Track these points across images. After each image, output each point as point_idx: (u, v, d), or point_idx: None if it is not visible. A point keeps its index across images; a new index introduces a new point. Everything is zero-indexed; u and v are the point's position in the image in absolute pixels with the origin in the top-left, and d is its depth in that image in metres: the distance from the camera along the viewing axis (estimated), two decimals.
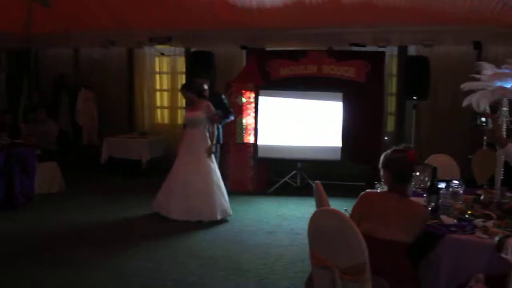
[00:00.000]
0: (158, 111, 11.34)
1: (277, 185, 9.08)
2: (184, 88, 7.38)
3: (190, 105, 7.30)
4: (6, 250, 5.75)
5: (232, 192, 8.06)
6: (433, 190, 3.77)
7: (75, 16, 10.20)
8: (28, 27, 10.43)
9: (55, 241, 6.11)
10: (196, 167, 7.01)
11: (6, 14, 10.00)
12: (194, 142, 7.08)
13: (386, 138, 9.34)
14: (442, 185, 4.05)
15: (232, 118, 8.29)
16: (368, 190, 3.55)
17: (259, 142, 9.00)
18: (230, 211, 7.13)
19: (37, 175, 8.03)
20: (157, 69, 11.24)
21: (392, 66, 9.62)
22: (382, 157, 3.43)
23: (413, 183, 3.77)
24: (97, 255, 5.56)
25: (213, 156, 7.18)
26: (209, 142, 7.10)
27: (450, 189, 3.96)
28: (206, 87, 7.55)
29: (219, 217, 6.90)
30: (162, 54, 10.78)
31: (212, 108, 7.13)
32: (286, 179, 9.20)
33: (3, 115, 9.59)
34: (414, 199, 3.60)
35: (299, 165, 9.20)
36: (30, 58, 11.70)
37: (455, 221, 3.53)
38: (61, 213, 7.38)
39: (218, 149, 7.96)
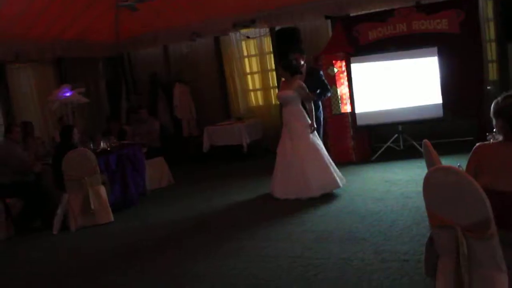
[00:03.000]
0: (252, 94, 11.46)
1: (380, 151, 8.89)
2: (279, 66, 7.41)
3: (284, 83, 7.30)
4: (130, 246, 6.09)
5: (336, 164, 7.99)
6: None
7: (160, 15, 10.53)
8: (117, 34, 10.96)
9: (173, 232, 6.39)
10: (292, 146, 7.03)
11: (97, 25, 10.53)
12: (290, 121, 7.10)
13: (489, 87, 8.83)
14: None
15: (329, 94, 7.99)
16: (481, 143, 3.36)
17: (356, 111, 8.84)
18: (339, 183, 6.97)
19: (147, 172, 8.41)
20: (245, 53, 11.33)
21: (487, 10, 9.01)
22: (493, 105, 3.23)
23: None
24: (213, 240, 5.75)
25: (315, 132, 7.13)
26: (308, 119, 7.05)
27: None
28: (302, 62, 7.50)
29: (318, 193, 6.83)
30: (248, 37, 10.86)
31: (303, 86, 7.05)
32: (388, 143, 8.99)
33: (110, 123, 10.15)
34: None
35: (400, 128, 8.94)
36: (124, 62, 12.25)
37: None
38: (174, 206, 7.69)
39: (322, 124, 7.86)
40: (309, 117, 7.05)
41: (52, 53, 10.16)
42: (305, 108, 7.09)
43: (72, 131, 7.35)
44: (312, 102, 7.17)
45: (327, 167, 6.99)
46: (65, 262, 5.82)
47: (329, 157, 7.14)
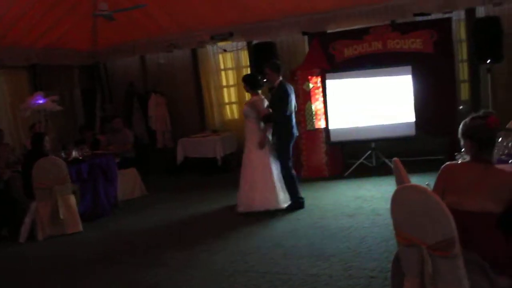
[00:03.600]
0: (227, 107, 11.45)
1: (353, 167, 8.95)
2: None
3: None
4: (97, 255, 6.02)
5: (308, 179, 8.05)
6: None
7: (137, 25, 10.49)
8: (94, 42, 10.88)
9: (144, 243, 6.34)
10: (246, 160, 7.19)
11: (74, 33, 10.44)
12: (246, 135, 7.26)
13: (461, 107, 8.99)
14: None
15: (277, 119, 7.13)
16: (449, 162, 3.41)
17: (330, 127, 8.90)
18: (281, 204, 7.00)
19: (119, 182, 8.33)
20: (222, 66, 11.35)
21: (460, 31, 9.21)
22: (461, 126, 3.28)
23: (496, 150, 3.60)
24: (183, 252, 5.71)
25: (267, 149, 7.10)
26: (262, 134, 7.05)
27: None
28: (279, 77, 7.13)
29: (260, 209, 6.92)
30: (225, 50, 10.88)
31: (254, 102, 7.08)
32: (361, 160, 9.06)
33: (84, 132, 10.04)
34: (499, 166, 3.43)
35: (373, 145, 9.03)
36: (100, 71, 12.16)
37: None
38: (145, 217, 7.64)
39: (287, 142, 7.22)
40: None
41: (27, 59, 10.02)
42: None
43: (44, 138, 7.25)
44: (267, 120, 7.07)
45: (272, 186, 7.02)
46: (30, 271, 5.73)
47: (278, 177, 7.10)
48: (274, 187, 7.03)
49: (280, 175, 7.10)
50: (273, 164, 7.12)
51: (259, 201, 6.98)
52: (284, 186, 7.10)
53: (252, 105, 7.09)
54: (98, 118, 11.68)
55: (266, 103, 7.20)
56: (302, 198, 7.13)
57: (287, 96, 6.97)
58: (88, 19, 10.23)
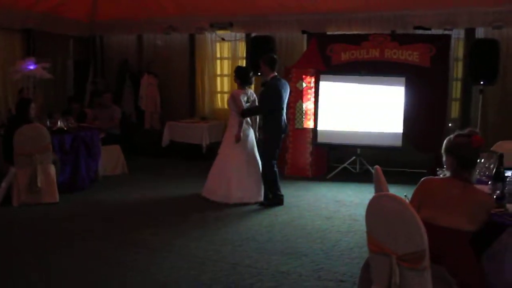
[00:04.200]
0: (219, 96, 11.42)
1: (336, 170, 8.99)
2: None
3: None
4: (72, 228, 6.00)
5: (291, 177, 8.05)
6: (499, 178, 3.61)
7: (138, 3, 10.41)
8: (93, 14, 10.76)
9: (118, 222, 6.32)
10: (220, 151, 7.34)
11: (73, 2, 10.33)
12: (228, 127, 7.34)
13: (450, 124, 9.03)
14: (508, 173, 3.87)
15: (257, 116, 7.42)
16: (429, 176, 3.43)
17: (318, 128, 8.92)
18: (231, 201, 7.04)
19: (101, 158, 8.29)
20: (218, 55, 11.30)
21: (458, 49, 9.27)
22: (445, 141, 3.30)
23: (477, 170, 3.63)
24: (157, 237, 5.69)
25: (251, 142, 7.19)
26: (239, 129, 7.10)
27: None
28: (274, 72, 7.10)
29: (236, 201, 7.00)
30: (223, 39, 10.84)
31: (234, 96, 7.13)
32: (345, 165, 9.10)
33: (71, 104, 9.97)
34: (478, 186, 3.45)
35: (359, 151, 9.07)
36: (96, 44, 12.04)
37: None
38: (123, 195, 7.61)
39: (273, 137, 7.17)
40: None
41: (22, 23, 9.89)
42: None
43: (30, 105, 7.17)
44: (245, 115, 7.15)
45: (248, 178, 7.10)
46: (2, 237, 5.69)
47: (255, 171, 7.17)
48: (253, 181, 7.09)
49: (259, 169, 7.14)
50: (251, 158, 7.17)
51: (240, 194, 7.03)
52: (260, 181, 7.14)
53: (233, 97, 7.13)
54: (88, 92, 11.57)
55: (254, 97, 7.21)
56: (281, 195, 7.14)
57: (275, 92, 6.93)
58: None
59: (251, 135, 7.27)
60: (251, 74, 7.27)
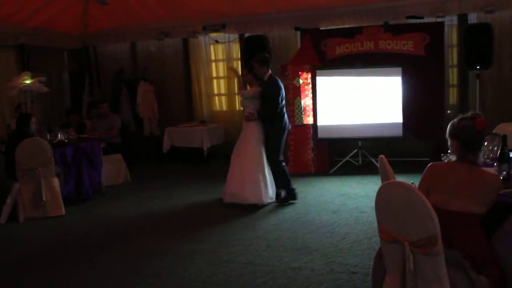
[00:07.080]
0: (216, 98, 11.42)
1: (339, 164, 9.00)
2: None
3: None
4: (79, 240, 6.00)
5: (294, 174, 8.04)
6: (504, 159, 3.63)
7: (129, 11, 10.42)
8: (85, 26, 10.77)
9: (125, 229, 6.33)
10: (243, 151, 7.13)
11: (64, 15, 10.33)
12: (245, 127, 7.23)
13: (448, 111, 9.07)
14: None
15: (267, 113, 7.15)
16: (435, 162, 3.43)
17: (318, 123, 8.92)
18: (267, 200, 6.98)
19: (103, 168, 8.28)
20: (213, 57, 11.33)
21: (452, 36, 9.29)
22: (449, 126, 3.31)
23: (481, 153, 3.64)
24: (166, 241, 5.70)
25: (258, 137, 7.07)
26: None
27: None
28: (269, 71, 7.11)
29: (253, 201, 6.90)
30: (217, 41, 10.86)
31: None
32: (347, 158, 9.11)
33: (70, 116, 9.96)
34: (484, 169, 3.46)
35: (360, 143, 9.08)
36: (90, 55, 12.05)
37: None
38: (128, 203, 7.60)
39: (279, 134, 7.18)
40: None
41: (15, 39, 9.90)
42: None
43: (30, 119, 7.20)
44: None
45: (263, 179, 7.00)
46: (9, 252, 5.68)
47: (264, 172, 7.05)
48: (263, 183, 7.01)
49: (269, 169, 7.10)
50: (265, 158, 7.11)
51: (249, 193, 6.94)
52: (272, 181, 7.09)
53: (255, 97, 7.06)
54: (85, 103, 11.58)
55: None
56: (294, 189, 7.13)
57: (280, 89, 6.96)
58: (79, 2, 10.16)
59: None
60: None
